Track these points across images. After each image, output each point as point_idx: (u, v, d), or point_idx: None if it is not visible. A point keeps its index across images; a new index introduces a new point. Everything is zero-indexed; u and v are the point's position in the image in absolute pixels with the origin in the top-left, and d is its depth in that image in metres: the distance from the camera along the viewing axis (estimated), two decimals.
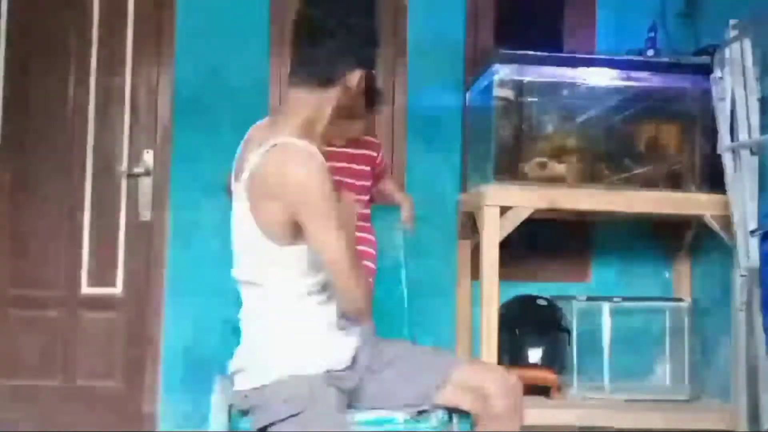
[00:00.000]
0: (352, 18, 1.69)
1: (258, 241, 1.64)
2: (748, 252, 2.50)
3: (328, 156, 1.97)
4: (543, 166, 2.76)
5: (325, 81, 1.68)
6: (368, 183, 2.30)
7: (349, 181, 2.24)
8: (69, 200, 3.13)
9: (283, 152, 1.61)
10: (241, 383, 1.71)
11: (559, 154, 2.83)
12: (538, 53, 2.76)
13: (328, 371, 1.67)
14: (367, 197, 2.30)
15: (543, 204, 2.63)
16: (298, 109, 1.69)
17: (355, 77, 1.69)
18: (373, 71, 1.98)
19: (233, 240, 1.72)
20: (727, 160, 2.58)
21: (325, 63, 1.68)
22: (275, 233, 1.62)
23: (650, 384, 3.07)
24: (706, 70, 2.69)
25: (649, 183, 2.82)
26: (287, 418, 1.61)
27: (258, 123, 1.78)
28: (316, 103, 1.69)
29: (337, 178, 2.18)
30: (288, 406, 1.61)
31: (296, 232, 1.63)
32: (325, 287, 1.71)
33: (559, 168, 2.78)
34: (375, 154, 2.33)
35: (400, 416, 1.85)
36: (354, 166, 2.28)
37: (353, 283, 1.63)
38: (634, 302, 2.97)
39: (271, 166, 1.60)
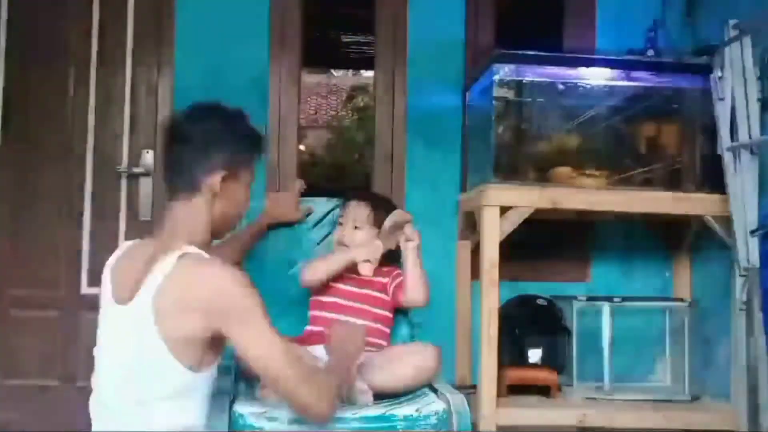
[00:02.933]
0: (207, 123, 1.68)
1: (162, 363, 1.50)
2: (748, 252, 2.50)
3: (340, 278, 2.18)
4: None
5: (190, 188, 1.64)
6: (388, 313, 2.27)
7: (366, 308, 2.22)
8: (69, 200, 3.14)
9: (197, 261, 1.55)
10: None
11: (558, 154, 2.84)
12: (538, 53, 2.75)
13: None
14: (386, 328, 2.27)
15: (543, 204, 2.63)
16: (177, 220, 1.64)
17: (216, 181, 1.63)
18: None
19: (108, 363, 1.60)
20: (727, 160, 2.58)
21: (184, 169, 1.64)
22: (188, 352, 1.51)
23: (650, 384, 3.07)
24: (706, 70, 2.69)
25: (649, 183, 2.83)
26: None
27: (132, 242, 1.71)
28: (191, 211, 1.64)
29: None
30: None
31: (214, 349, 1.55)
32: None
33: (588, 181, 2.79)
34: (385, 280, 2.30)
35: (399, 414, 1.86)
36: (370, 292, 2.25)
37: (297, 384, 1.55)
38: (634, 302, 2.97)
39: (186, 276, 1.52)
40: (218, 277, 1.53)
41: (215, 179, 1.64)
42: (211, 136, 1.66)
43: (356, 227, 2.28)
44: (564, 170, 2.78)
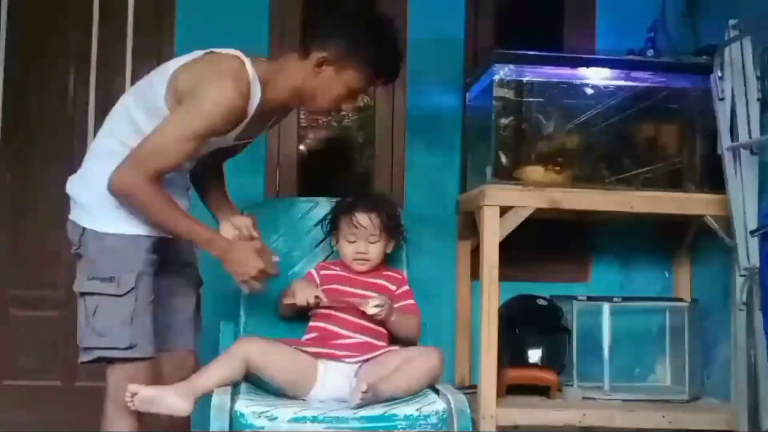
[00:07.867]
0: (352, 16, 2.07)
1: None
2: (748, 252, 2.50)
3: (345, 280, 2.21)
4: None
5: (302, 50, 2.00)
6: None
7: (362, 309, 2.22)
8: (69, 200, 3.13)
9: (214, 58, 1.96)
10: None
11: (558, 154, 2.83)
12: (538, 53, 2.75)
13: None
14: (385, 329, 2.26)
15: (543, 204, 2.63)
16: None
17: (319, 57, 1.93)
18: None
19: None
20: (727, 160, 2.58)
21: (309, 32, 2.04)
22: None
23: (650, 384, 3.07)
24: (706, 70, 2.68)
25: (649, 183, 2.83)
26: None
27: None
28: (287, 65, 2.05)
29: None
30: None
31: None
32: None
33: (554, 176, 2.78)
34: (393, 287, 2.30)
35: (400, 414, 1.86)
36: (368, 292, 2.25)
37: (144, 159, 1.86)
38: (634, 302, 2.97)
39: (205, 61, 1.95)
40: (213, 78, 1.87)
41: (319, 55, 1.92)
42: (343, 21, 2.00)
43: (371, 242, 2.27)
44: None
